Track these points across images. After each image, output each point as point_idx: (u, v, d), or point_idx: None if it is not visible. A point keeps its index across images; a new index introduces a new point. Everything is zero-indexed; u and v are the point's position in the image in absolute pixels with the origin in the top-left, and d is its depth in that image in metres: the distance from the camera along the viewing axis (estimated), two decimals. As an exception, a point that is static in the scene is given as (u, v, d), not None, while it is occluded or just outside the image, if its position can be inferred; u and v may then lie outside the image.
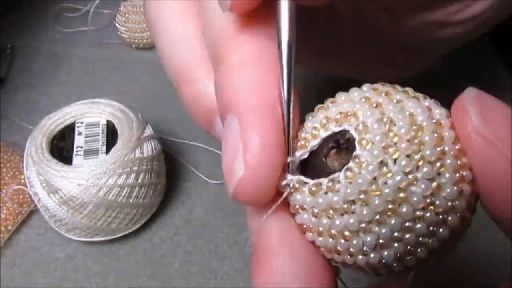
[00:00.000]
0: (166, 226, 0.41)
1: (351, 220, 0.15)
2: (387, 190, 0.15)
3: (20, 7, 0.57)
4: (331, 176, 0.16)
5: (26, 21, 0.57)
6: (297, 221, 0.17)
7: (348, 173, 0.15)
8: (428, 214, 0.15)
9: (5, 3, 0.55)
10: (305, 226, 0.17)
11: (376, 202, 0.15)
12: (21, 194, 0.40)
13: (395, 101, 0.16)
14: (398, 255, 0.15)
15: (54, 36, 0.56)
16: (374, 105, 0.16)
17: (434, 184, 0.15)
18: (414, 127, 0.15)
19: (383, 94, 0.17)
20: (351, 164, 0.15)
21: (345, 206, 0.15)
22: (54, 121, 0.39)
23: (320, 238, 0.16)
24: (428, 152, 0.15)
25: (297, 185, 0.17)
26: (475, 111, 0.16)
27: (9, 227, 0.39)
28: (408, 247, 0.15)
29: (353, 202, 0.15)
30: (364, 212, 0.15)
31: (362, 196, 0.15)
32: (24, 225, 0.41)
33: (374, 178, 0.15)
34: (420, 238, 0.15)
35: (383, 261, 0.16)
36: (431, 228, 0.15)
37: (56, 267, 0.38)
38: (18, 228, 0.40)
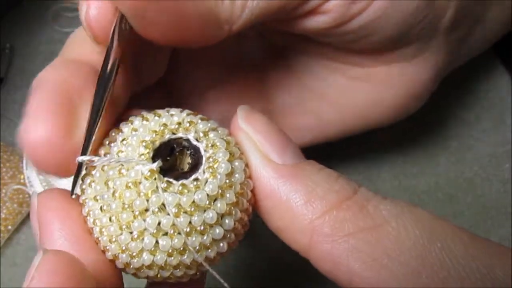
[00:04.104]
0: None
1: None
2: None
3: (19, 7, 0.57)
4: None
5: (25, 21, 0.57)
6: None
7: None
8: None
9: (4, 3, 0.55)
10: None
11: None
12: (20, 194, 0.40)
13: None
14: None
15: (54, 36, 0.56)
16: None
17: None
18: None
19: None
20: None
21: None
22: (53, 121, 0.39)
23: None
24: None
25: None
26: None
27: (9, 227, 0.40)
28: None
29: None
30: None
31: None
32: (24, 225, 0.41)
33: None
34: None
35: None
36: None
37: (56, 266, 0.38)
38: (18, 228, 0.40)
